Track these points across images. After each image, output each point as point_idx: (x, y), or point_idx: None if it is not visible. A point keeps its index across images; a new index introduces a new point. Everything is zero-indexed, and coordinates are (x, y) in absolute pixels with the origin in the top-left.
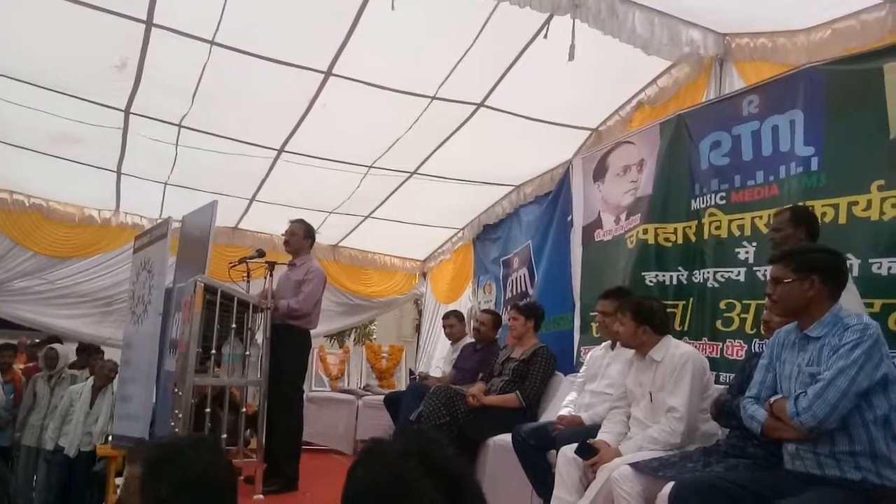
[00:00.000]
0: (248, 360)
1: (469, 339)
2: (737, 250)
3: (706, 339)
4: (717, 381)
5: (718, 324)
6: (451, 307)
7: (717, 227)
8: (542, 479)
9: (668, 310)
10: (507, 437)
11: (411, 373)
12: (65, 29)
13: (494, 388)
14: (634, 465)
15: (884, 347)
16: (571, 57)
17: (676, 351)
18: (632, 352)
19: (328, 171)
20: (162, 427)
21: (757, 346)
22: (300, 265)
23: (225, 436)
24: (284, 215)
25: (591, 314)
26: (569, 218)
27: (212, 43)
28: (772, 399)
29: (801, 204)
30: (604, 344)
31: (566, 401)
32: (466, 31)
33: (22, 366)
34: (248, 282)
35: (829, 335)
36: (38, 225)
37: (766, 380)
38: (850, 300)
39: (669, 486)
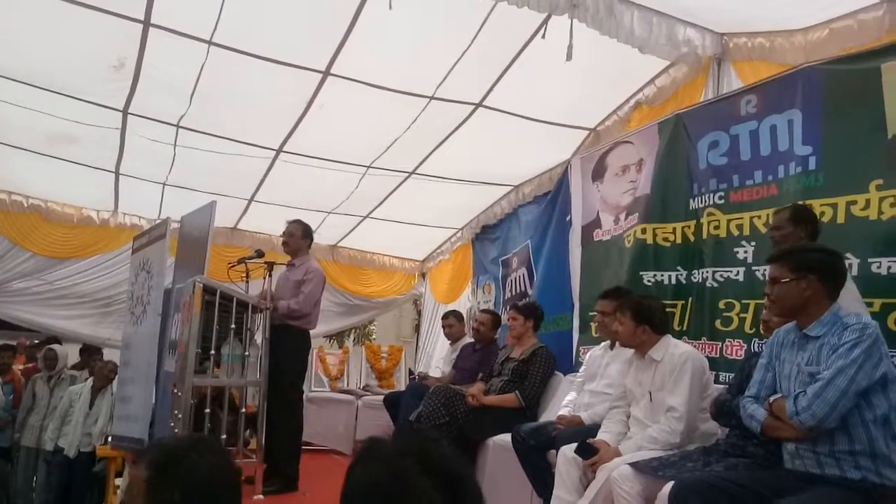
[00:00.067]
0: (248, 360)
1: (468, 339)
2: (735, 250)
3: (705, 338)
4: (716, 381)
5: (718, 323)
6: (451, 307)
7: (716, 227)
8: (542, 479)
9: (667, 309)
10: (506, 437)
11: (411, 373)
12: (62, 29)
13: (494, 388)
14: (634, 465)
15: (883, 347)
16: (569, 57)
17: (676, 350)
18: (631, 351)
19: (327, 172)
20: (161, 428)
21: (756, 345)
22: (299, 265)
23: (224, 436)
24: (283, 215)
25: (591, 314)
26: (567, 218)
27: (209, 43)
28: (771, 398)
29: (800, 203)
30: (603, 344)
31: (566, 401)
32: (464, 31)
33: (21, 367)
34: (247, 282)
35: (828, 334)
36: (36, 226)
37: (766, 379)
38: (850, 299)
39: (669, 485)
